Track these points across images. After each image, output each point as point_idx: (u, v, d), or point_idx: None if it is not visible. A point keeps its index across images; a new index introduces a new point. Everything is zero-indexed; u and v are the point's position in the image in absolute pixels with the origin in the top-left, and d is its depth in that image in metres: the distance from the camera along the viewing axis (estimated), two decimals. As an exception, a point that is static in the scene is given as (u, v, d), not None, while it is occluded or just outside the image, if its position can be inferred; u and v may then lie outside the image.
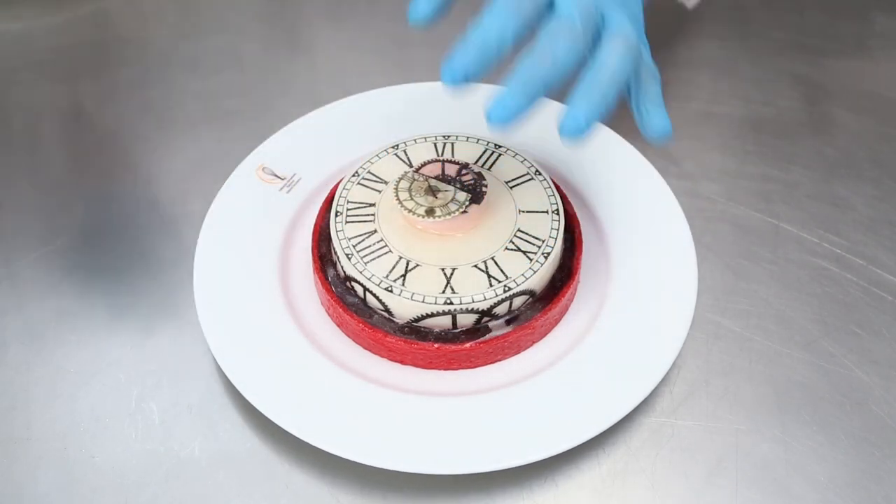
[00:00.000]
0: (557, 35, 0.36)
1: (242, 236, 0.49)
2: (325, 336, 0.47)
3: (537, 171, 0.50)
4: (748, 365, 0.48)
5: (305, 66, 0.63)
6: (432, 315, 0.44)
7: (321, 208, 0.50)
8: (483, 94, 0.58)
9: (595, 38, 0.38)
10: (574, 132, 0.36)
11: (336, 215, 0.47)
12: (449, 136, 0.51)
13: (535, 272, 0.45)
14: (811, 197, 0.56)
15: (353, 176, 0.49)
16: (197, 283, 0.47)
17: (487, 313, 0.45)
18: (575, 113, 0.36)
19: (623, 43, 0.37)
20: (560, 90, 0.37)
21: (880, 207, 0.55)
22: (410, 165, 0.49)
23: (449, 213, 0.45)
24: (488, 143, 0.51)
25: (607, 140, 0.55)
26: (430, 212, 0.45)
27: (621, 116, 0.59)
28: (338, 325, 0.47)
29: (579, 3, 0.37)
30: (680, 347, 0.45)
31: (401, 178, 0.47)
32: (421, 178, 0.47)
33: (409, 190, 0.46)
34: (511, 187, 0.49)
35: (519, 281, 0.45)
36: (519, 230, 0.47)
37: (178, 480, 0.43)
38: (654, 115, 0.40)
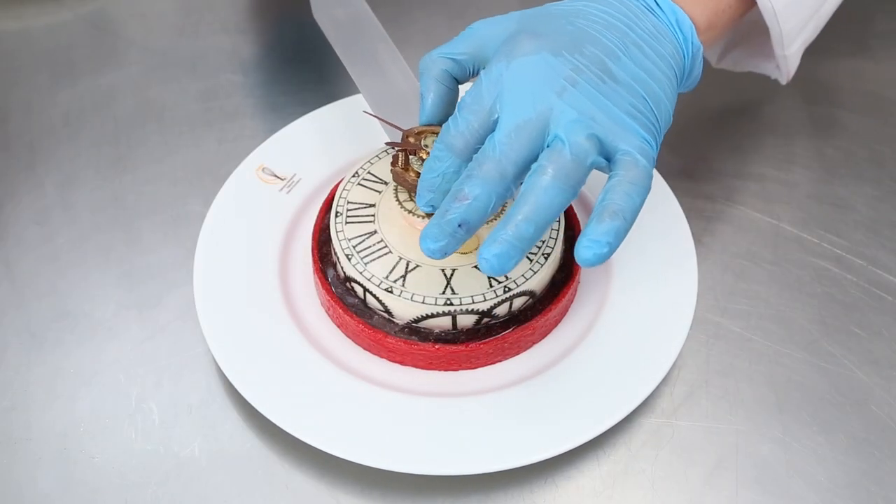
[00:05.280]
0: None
1: (242, 236, 0.49)
2: (325, 336, 0.47)
3: (537, 171, 0.49)
4: (748, 365, 0.48)
5: (305, 66, 0.63)
6: (432, 316, 0.44)
7: (321, 209, 0.50)
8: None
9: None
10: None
11: (336, 216, 0.47)
12: (449, 137, 0.51)
13: (535, 273, 0.45)
14: (811, 197, 0.56)
15: (353, 176, 0.49)
16: (197, 283, 0.47)
17: (487, 314, 0.45)
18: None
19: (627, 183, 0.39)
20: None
21: (880, 208, 0.55)
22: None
23: (449, 214, 0.45)
24: (488, 143, 0.51)
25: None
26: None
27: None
28: (338, 326, 0.47)
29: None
30: (680, 347, 0.45)
31: (401, 179, 0.47)
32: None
33: (409, 191, 0.46)
34: (511, 187, 0.49)
35: (519, 282, 0.45)
36: (519, 230, 0.47)
37: (178, 480, 0.43)
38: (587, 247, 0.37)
